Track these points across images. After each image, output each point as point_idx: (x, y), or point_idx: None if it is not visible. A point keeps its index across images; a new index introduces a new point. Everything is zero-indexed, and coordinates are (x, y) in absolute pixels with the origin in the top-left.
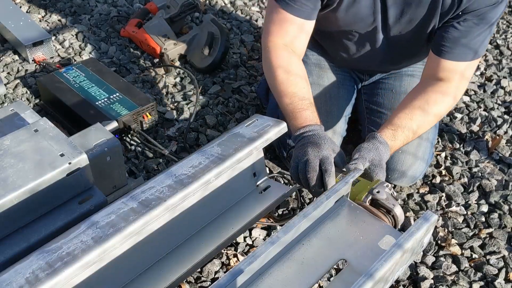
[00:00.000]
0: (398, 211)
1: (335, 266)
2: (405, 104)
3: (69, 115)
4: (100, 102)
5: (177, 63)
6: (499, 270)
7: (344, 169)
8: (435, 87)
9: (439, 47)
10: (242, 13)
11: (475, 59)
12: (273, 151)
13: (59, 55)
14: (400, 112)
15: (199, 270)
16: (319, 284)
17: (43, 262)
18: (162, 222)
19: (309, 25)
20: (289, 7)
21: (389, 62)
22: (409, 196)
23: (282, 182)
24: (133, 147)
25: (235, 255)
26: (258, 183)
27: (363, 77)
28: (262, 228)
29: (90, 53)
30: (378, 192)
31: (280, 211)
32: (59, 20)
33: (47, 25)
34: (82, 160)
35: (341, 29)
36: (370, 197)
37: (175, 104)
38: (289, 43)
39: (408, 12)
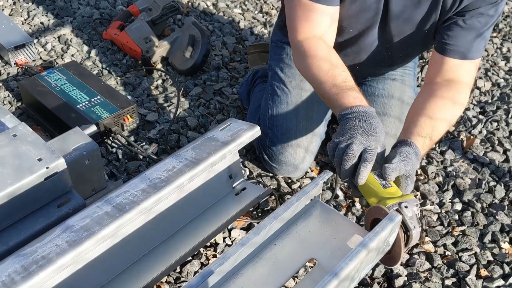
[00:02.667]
0: (415, 233)
1: (311, 265)
2: (428, 113)
3: (51, 119)
4: (81, 105)
5: (159, 65)
6: (471, 266)
7: (382, 166)
8: (446, 94)
9: (443, 46)
10: (224, 15)
11: (478, 58)
12: (253, 153)
13: (41, 58)
14: (426, 120)
15: (178, 270)
16: (294, 280)
17: (18, 265)
18: (138, 225)
19: (337, 13)
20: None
21: (381, 62)
22: None
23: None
24: (114, 150)
25: (214, 256)
26: (234, 185)
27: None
28: (241, 229)
29: (72, 55)
30: (406, 207)
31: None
32: (42, 23)
33: (30, 28)
34: (59, 164)
35: (341, 24)
36: (395, 208)
37: (157, 106)
38: (321, 35)
39: (408, 9)
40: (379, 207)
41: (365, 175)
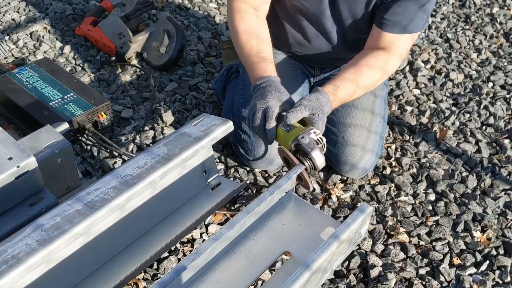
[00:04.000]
0: (315, 154)
1: (287, 258)
2: (350, 65)
3: (23, 117)
4: (54, 102)
5: (134, 61)
6: (444, 255)
7: (285, 115)
8: (367, 61)
9: (380, 20)
10: (199, 9)
11: (405, 33)
12: (230, 148)
13: (13, 55)
14: (344, 72)
15: (155, 267)
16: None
17: None
18: (111, 222)
19: None
20: None
21: (341, 47)
22: (361, 187)
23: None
24: (88, 147)
25: (191, 251)
26: (209, 180)
27: (314, 73)
28: (218, 224)
29: (45, 52)
30: (302, 137)
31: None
32: (13, 19)
33: (1, 25)
34: (30, 163)
35: (293, 2)
36: (294, 143)
37: (131, 103)
38: (254, 6)
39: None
40: (280, 147)
41: (272, 130)
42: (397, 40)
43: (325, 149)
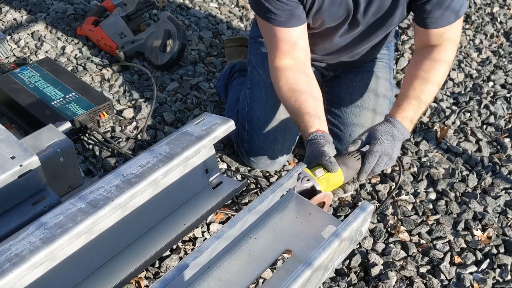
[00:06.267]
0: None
1: (288, 256)
2: (407, 78)
3: (25, 116)
4: (55, 102)
5: (135, 61)
6: (445, 254)
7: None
8: (430, 56)
9: (423, 20)
10: (200, 9)
11: (458, 19)
12: (231, 147)
13: (14, 55)
14: (403, 87)
15: (157, 265)
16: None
17: None
18: (113, 221)
19: (304, 29)
20: (277, 22)
21: (355, 51)
22: (362, 186)
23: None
24: (90, 146)
25: (193, 250)
26: (210, 179)
27: (327, 74)
28: (220, 223)
29: (46, 52)
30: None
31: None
32: (15, 19)
33: (2, 25)
34: (33, 162)
35: (313, 26)
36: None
37: (133, 102)
38: (292, 59)
39: (374, 3)
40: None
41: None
42: (451, 29)
43: None
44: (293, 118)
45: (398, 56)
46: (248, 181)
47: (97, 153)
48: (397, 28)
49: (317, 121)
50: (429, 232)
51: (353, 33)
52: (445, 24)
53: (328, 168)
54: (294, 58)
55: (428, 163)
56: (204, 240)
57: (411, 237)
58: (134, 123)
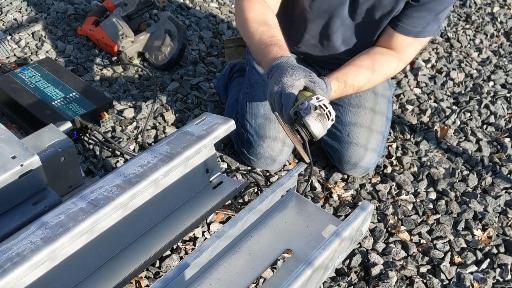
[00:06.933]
0: (310, 119)
1: (288, 256)
2: (363, 54)
3: (25, 116)
4: (56, 102)
5: (135, 61)
6: (445, 254)
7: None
8: (383, 51)
9: (396, 22)
10: (201, 9)
11: (418, 37)
12: (231, 147)
13: (15, 55)
14: (357, 60)
15: (158, 265)
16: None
17: None
18: (114, 220)
19: None
20: None
21: (351, 49)
22: (362, 186)
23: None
24: (91, 146)
25: (193, 250)
26: (211, 179)
27: (324, 73)
28: (220, 222)
29: (47, 52)
30: (302, 103)
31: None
32: (15, 19)
33: (3, 25)
34: (34, 161)
35: (312, 6)
36: (294, 110)
37: (133, 102)
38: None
39: None
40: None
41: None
42: (409, 45)
43: (331, 118)
44: (256, 50)
45: None
46: (248, 181)
47: (97, 153)
48: None
49: (286, 51)
50: (430, 232)
51: (352, 23)
52: (407, 34)
53: (319, 86)
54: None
55: (429, 163)
56: (204, 240)
57: (412, 237)
58: (134, 123)
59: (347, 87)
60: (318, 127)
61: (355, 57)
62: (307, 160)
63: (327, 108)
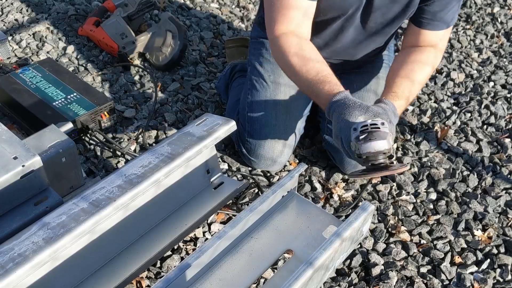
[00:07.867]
0: (361, 148)
1: (289, 256)
2: (400, 63)
3: (26, 117)
4: (57, 102)
5: (136, 61)
6: (445, 254)
7: None
8: (417, 57)
9: (420, 19)
10: (201, 10)
11: (448, 28)
12: (232, 147)
13: (16, 55)
14: (396, 74)
15: (159, 265)
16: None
17: None
18: (115, 221)
19: (313, 8)
20: None
21: (358, 53)
22: (362, 186)
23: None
24: (92, 147)
25: (194, 250)
26: (212, 179)
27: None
28: (221, 223)
29: (48, 52)
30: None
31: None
32: (16, 20)
33: (4, 25)
34: (35, 162)
35: (325, 12)
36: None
37: (134, 103)
38: (296, 29)
39: (385, 4)
40: None
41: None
42: (442, 37)
43: (377, 126)
44: (306, 89)
45: None
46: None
47: (98, 153)
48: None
49: (337, 87)
50: (430, 232)
51: (363, 29)
52: (437, 28)
53: (380, 117)
54: (298, 27)
55: (429, 163)
56: (205, 240)
57: (412, 237)
58: (135, 123)
59: (408, 101)
60: (371, 146)
61: (396, 67)
62: (406, 169)
63: (367, 126)
